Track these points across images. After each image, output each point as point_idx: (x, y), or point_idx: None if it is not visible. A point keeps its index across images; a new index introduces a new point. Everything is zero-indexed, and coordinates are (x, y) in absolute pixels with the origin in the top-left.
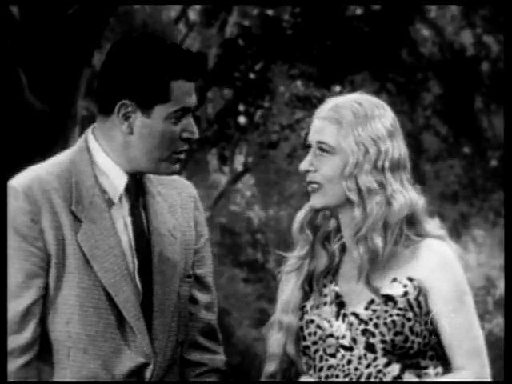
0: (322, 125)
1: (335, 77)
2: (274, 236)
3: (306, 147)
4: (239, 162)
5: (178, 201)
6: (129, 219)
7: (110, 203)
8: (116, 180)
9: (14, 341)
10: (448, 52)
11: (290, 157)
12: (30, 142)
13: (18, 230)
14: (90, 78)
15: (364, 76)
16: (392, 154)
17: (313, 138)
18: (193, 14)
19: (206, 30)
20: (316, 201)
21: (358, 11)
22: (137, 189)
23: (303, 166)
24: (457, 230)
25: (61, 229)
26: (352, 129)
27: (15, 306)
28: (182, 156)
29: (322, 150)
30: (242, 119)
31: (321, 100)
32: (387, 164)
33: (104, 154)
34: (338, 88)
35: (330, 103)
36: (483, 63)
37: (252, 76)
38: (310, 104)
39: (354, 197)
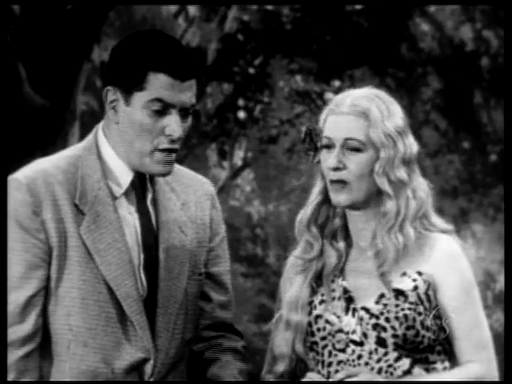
0: (347, 121)
1: (335, 71)
2: (274, 231)
3: (326, 146)
4: (239, 156)
5: (192, 198)
6: (136, 215)
7: (115, 198)
8: (122, 176)
9: (15, 332)
10: (447, 47)
11: (289, 152)
12: (30, 136)
13: (19, 222)
14: (89, 73)
15: (363, 71)
16: (413, 147)
17: (338, 136)
18: (192, 8)
19: (206, 24)
20: (342, 198)
21: (358, 6)
22: (144, 184)
23: (332, 163)
24: (456, 225)
25: (62, 221)
26: (379, 122)
27: (16, 298)
28: (169, 157)
29: (350, 146)
30: (241, 114)
31: (320, 95)
32: (412, 157)
33: (110, 148)
34: (337, 83)
35: (348, 98)
36: (483, 58)
37: (251, 71)
38: (309, 99)
39: (388, 190)
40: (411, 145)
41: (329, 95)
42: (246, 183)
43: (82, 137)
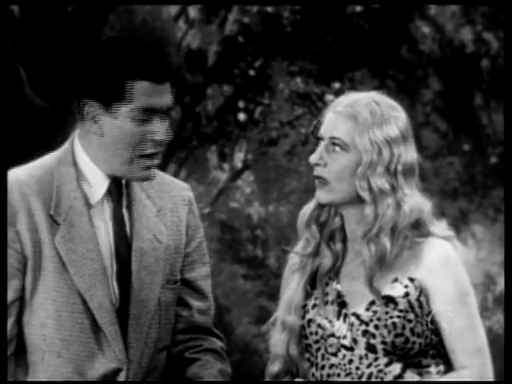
0: (336, 119)
1: (335, 73)
2: (274, 232)
3: (317, 139)
4: (239, 159)
5: (168, 204)
6: (110, 224)
7: (90, 207)
8: (97, 184)
9: None
10: (448, 49)
11: (289, 154)
12: (30, 138)
13: None
14: None
15: (363, 73)
16: (405, 158)
17: (326, 132)
18: (193, 11)
19: (206, 27)
20: (322, 196)
21: (358, 8)
22: (121, 193)
23: (313, 158)
24: (456, 227)
25: (37, 232)
26: (368, 127)
27: None
28: (153, 162)
29: (334, 145)
30: (241, 116)
31: (320, 97)
32: (400, 168)
33: (87, 157)
34: (337, 85)
35: (348, 98)
36: (483, 60)
37: (252, 73)
38: (309, 101)
39: (366, 196)
40: (402, 155)
41: (329, 97)
42: (246, 185)
43: None
